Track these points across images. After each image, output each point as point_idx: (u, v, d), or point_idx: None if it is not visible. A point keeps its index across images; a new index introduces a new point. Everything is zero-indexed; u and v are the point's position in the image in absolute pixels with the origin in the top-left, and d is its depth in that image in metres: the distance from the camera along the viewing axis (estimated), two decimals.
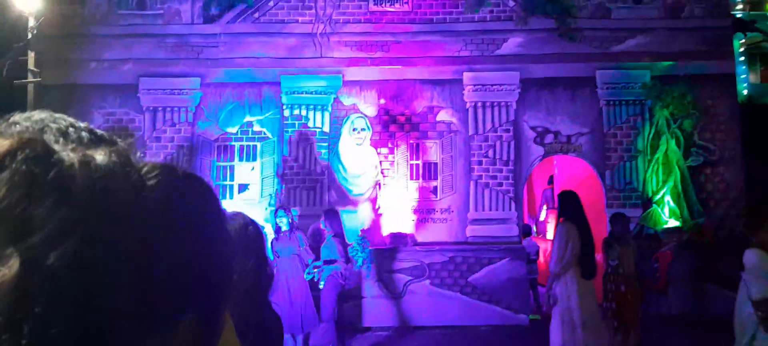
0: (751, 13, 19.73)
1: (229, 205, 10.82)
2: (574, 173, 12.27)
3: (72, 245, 0.48)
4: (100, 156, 0.56)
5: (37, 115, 0.68)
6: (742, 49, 19.38)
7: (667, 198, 10.94)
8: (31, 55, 12.23)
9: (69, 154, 0.54)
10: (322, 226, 8.60)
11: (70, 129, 0.65)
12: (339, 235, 8.22)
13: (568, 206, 6.89)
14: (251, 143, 11.31)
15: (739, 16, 17.38)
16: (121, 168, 0.57)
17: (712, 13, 11.59)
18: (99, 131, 0.68)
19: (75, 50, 11.25)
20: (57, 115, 0.70)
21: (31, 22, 12.06)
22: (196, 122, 11.29)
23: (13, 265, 0.47)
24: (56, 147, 0.56)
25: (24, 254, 0.47)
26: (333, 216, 8.43)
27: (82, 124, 0.68)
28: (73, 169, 0.53)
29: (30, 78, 12.16)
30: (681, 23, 11.49)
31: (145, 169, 0.60)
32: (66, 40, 11.27)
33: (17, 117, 0.66)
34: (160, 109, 11.27)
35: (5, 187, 0.49)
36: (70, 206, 0.50)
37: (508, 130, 11.28)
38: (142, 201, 0.56)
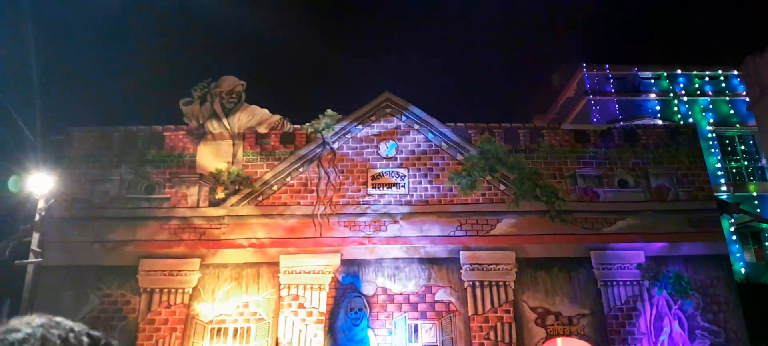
0: (736, 194, 20.55)
1: None
2: None
3: None
4: None
5: (37, 320, 0.75)
6: (732, 229, 19.87)
7: None
8: (35, 236, 12.49)
9: None
10: None
11: (70, 335, 0.73)
12: None
13: None
14: (246, 325, 11.07)
15: (723, 197, 18.09)
16: None
17: (696, 197, 12.06)
18: (95, 334, 0.75)
19: (80, 232, 11.52)
20: (57, 319, 0.77)
21: (41, 204, 12.51)
22: (192, 304, 11.17)
23: None
24: None
25: None
26: None
27: (80, 328, 0.76)
28: None
29: (31, 258, 12.28)
30: (668, 206, 11.92)
31: None
32: (72, 222, 11.60)
33: (15, 322, 0.74)
34: (157, 290, 11.22)
35: None
36: None
37: (508, 312, 11.12)
38: None
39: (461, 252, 11.47)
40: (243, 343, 10.93)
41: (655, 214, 11.77)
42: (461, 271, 11.37)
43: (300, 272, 11.29)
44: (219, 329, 11.04)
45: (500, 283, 11.30)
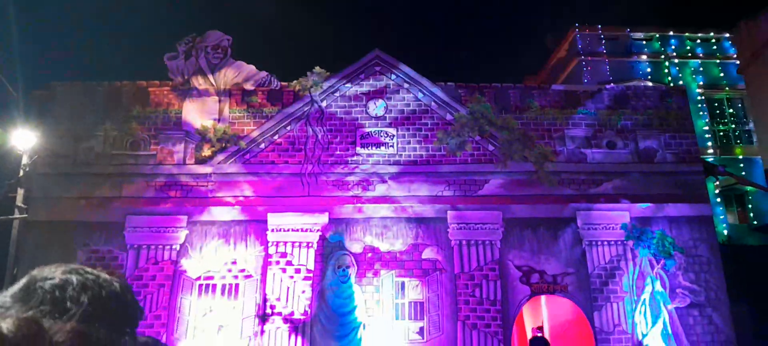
0: (722, 156, 20.75)
1: None
2: (563, 314, 12.08)
3: None
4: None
5: (64, 267, 0.77)
6: (717, 192, 20.13)
7: (658, 341, 10.70)
8: (20, 191, 12.38)
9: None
10: None
11: (102, 280, 0.75)
12: None
13: None
14: (234, 282, 11.13)
15: (709, 160, 18.25)
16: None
17: (683, 159, 12.14)
18: (122, 281, 0.78)
19: (65, 188, 11.40)
20: (85, 267, 0.78)
21: (25, 160, 12.36)
22: (180, 260, 11.19)
23: None
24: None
25: None
26: None
27: (106, 276, 0.77)
28: None
29: (16, 214, 12.19)
30: (654, 168, 11.99)
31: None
32: (57, 178, 11.47)
33: (39, 272, 0.74)
34: (144, 246, 11.21)
35: None
36: None
37: (493, 269, 11.26)
38: None
39: (449, 211, 11.52)
40: (231, 299, 11.02)
41: (642, 175, 11.85)
42: (448, 230, 11.45)
43: (288, 230, 11.32)
44: (207, 286, 11.10)
45: (486, 242, 11.41)
